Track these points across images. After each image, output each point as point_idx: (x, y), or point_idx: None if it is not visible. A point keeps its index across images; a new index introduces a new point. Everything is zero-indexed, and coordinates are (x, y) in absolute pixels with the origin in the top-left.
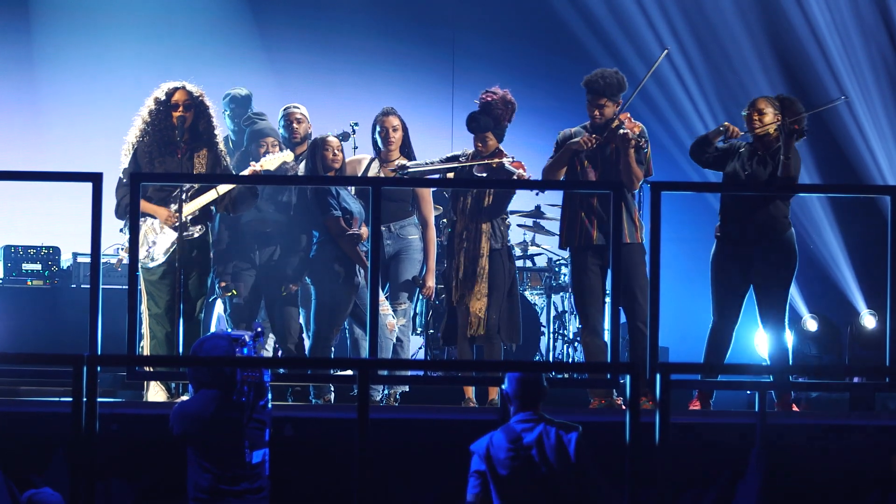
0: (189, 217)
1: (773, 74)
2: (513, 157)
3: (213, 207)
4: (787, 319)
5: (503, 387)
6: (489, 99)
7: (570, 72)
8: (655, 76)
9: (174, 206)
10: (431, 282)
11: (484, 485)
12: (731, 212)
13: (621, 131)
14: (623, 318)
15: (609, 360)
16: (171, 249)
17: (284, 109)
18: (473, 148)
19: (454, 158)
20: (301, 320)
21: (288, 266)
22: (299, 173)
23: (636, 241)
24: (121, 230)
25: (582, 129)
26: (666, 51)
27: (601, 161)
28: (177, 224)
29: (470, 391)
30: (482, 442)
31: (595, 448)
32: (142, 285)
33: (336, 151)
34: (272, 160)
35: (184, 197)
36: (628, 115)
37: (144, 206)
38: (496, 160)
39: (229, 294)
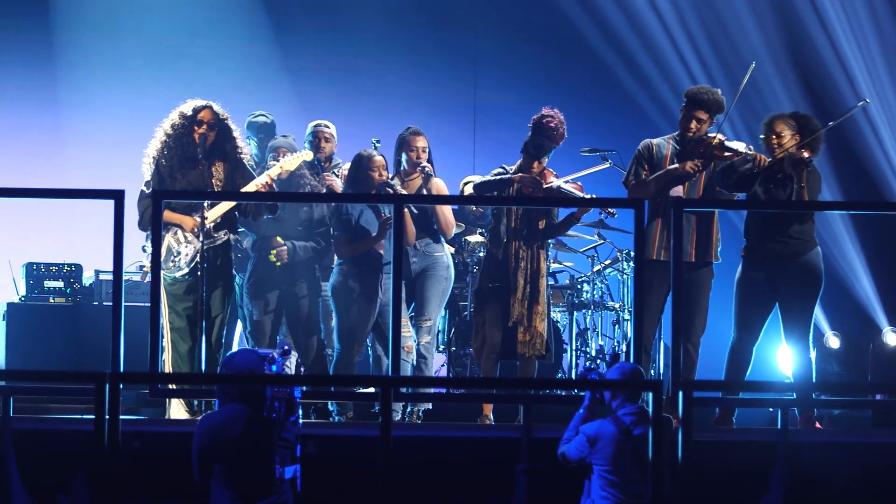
0: (212, 224)
1: (792, 89)
2: (570, 179)
3: (236, 213)
4: (811, 337)
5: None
6: (552, 124)
7: (594, 86)
8: (674, 91)
9: (197, 215)
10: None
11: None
12: (756, 232)
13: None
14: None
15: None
16: (197, 259)
17: (314, 126)
18: (524, 170)
19: (505, 174)
20: (323, 336)
21: (308, 283)
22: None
23: (708, 260)
24: (143, 248)
25: (665, 141)
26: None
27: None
28: (199, 232)
29: (488, 409)
30: (591, 426)
31: None
32: (163, 298)
33: (382, 171)
34: (292, 160)
35: (205, 204)
36: (725, 137)
37: (169, 215)
38: (548, 182)
39: (275, 259)
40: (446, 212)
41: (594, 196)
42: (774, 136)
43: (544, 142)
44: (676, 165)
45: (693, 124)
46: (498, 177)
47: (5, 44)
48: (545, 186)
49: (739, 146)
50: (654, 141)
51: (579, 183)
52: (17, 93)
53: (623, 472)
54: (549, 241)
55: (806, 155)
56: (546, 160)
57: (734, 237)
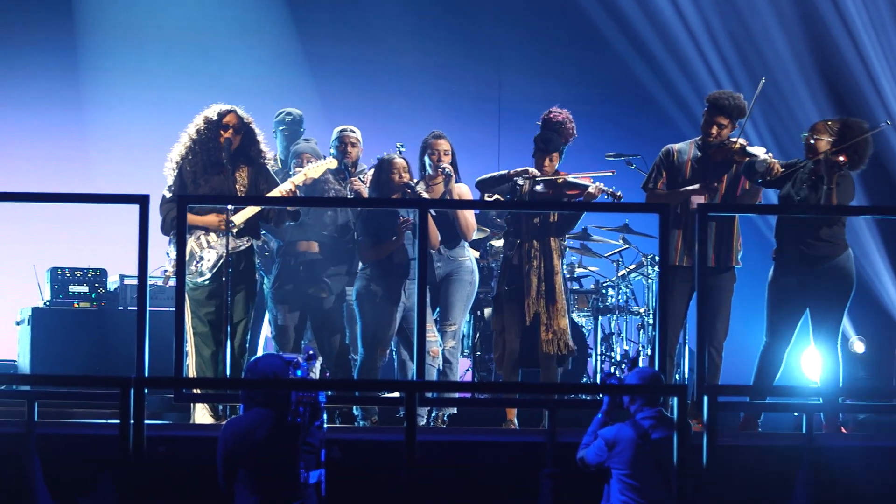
0: (235, 229)
1: (816, 91)
2: (584, 175)
3: (260, 222)
4: (839, 341)
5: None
6: (559, 118)
7: (619, 90)
8: (700, 95)
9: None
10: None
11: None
12: (786, 235)
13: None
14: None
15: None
16: (219, 264)
17: (340, 131)
18: (536, 168)
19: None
20: (347, 341)
21: (333, 286)
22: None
23: (729, 265)
24: (167, 253)
25: (687, 145)
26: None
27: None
28: (225, 230)
29: (512, 413)
30: (610, 431)
31: None
32: (187, 303)
33: (403, 174)
34: (316, 168)
35: (230, 209)
36: (747, 142)
37: (192, 218)
38: (559, 177)
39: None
40: (467, 214)
41: (619, 200)
42: (811, 139)
43: (552, 136)
44: (696, 186)
45: (714, 129)
46: (497, 174)
47: (30, 48)
48: (544, 178)
49: (760, 151)
50: (676, 147)
51: (590, 178)
52: (42, 97)
53: (642, 476)
54: (565, 240)
55: (841, 159)
56: (557, 158)
57: (757, 241)
